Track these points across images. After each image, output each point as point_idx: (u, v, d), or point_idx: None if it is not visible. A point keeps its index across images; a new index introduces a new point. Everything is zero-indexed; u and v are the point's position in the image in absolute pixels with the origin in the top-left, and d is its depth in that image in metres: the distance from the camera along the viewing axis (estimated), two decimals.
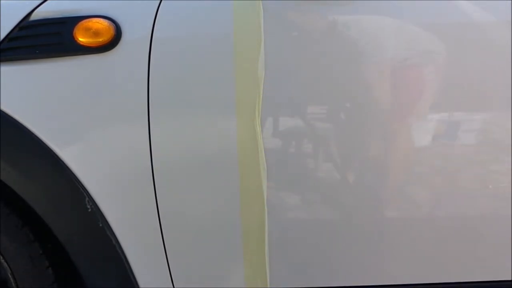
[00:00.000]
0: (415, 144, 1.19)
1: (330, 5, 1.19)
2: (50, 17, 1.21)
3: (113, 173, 1.20)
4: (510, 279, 1.22)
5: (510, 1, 1.17)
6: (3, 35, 1.20)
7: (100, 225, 1.20)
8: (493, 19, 1.20)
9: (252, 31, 1.17)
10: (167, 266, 1.23)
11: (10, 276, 1.25)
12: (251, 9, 1.17)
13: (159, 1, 1.19)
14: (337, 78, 1.19)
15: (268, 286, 1.23)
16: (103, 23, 1.18)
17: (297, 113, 1.20)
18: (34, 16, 1.21)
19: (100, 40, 1.17)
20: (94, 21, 1.19)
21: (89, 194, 1.19)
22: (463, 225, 1.23)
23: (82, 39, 1.18)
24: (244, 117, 1.17)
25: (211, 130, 1.19)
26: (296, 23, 1.20)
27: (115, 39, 1.17)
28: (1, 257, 1.25)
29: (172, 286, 1.24)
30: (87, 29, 1.18)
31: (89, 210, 1.20)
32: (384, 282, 1.25)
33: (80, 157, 1.19)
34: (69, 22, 1.19)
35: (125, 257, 1.22)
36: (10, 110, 1.19)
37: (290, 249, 1.24)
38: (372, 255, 1.23)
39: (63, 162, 1.19)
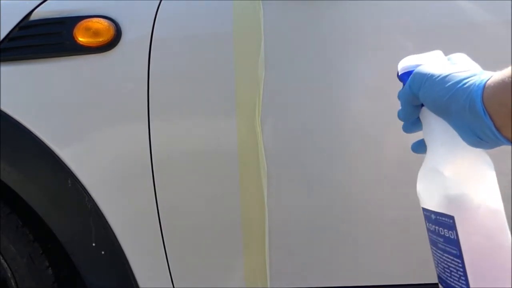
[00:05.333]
0: None
1: (330, 5, 1.19)
2: (50, 17, 1.21)
3: (113, 173, 1.20)
4: None
5: (510, 1, 1.16)
6: (3, 35, 1.20)
7: (100, 224, 1.20)
8: (493, 19, 1.20)
9: (252, 31, 1.16)
10: (167, 266, 1.23)
11: (10, 276, 1.25)
12: (251, 9, 1.17)
13: (159, 1, 1.19)
14: (337, 78, 1.19)
15: (268, 286, 1.22)
16: (103, 23, 1.18)
17: (297, 113, 1.20)
18: (34, 16, 1.21)
19: (100, 40, 1.17)
20: (94, 21, 1.19)
21: (89, 194, 1.19)
22: None
23: (82, 39, 1.18)
24: (244, 117, 1.17)
25: (211, 130, 1.19)
26: (296, 22, 1.20)
27: (115, 39, 1.17)
28: (1, 257, 1.25)
29: (172, 286, 1.24)
30: (87, 29, 1.18)
31: (89, 210, 1.20)
32: (384, 282, 1.25)
33: (80, 157, 1.20)
34: (69, 22, 1.19)
35: (125, 257, 1.22)
36: (10, 110, 1.19)
37: (290, 249, 1.24)
38: (372, 255, 1.23)
39: (63, 162, 1.19)
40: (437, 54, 0.65)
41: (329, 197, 1.21)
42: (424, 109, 0.63)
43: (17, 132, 1.19)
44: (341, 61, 1.20)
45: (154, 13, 1.18)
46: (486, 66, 1.25)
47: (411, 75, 0.62)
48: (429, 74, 0.58)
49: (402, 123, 0.69)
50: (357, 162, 1.20)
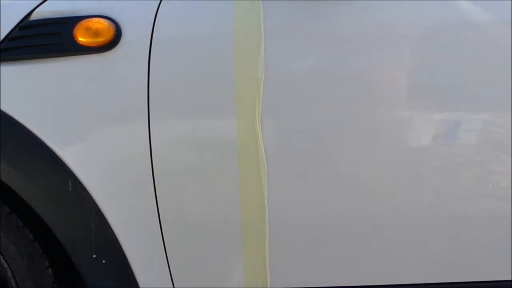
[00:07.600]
0: (415, 144, 1.19)
1: (330, 5, 1.19)
2: (50, 17, 1.21)
3: (113, 173, 1.21)
4: (510, 279, 1.22)
5: (510, 1, 1.17)
6: (3, 35, 1.20)
7: (100, 225, 1.20)
8: (493, 19, 1.20)
9: (252, 31, 1.17)
10: (167, 266, 1.23)
11: (10, 276, 1.25)
12: (251, 9, 1.17)
13: (159, 1, 1.19)
14: (338, 78, 1.19)
15: (268, 286, 1.23)
16: (103, 23, 1.18)
17: (297, 113, 1.20)
18: (34, 16, 1.21)
19: (100, 40, 1.17)
20: (94, 21, 1.19)
21: (89, 194, 1.19)
22: (463, 225, 1.23)
23: (82, 39, 1.18)
24: (244, 117, 1.17)
25: (211, 130, 1.19)
26: (296, 22, 1.20)
27: (115, 39, 1.18)
28: (1, 257, 1.25)
29: (172, 286, 1.24)
30: (87, 29, 1.18)
31: (89, 210, 1.20)
32: (384, 282, 1.25)
33: (80, 157, 1.20)
34: (69, 22, 1.19)
35: (125, 257, 1.22)
36: (10, 110, 1.19)
37: (290, 249, 1.24)
38: (372, 255, 1.23)
39: (63, 162, 1.19)
40: None
41: (329, 196, 1.21)
42: None
43: (17, 132, 1.19)
44: (341, 61, 1.20)
45: (154, 13, 1.18)
46: (486, 66, 1.25)
47: None
48: None
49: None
50: (357, 161, 1.20)
